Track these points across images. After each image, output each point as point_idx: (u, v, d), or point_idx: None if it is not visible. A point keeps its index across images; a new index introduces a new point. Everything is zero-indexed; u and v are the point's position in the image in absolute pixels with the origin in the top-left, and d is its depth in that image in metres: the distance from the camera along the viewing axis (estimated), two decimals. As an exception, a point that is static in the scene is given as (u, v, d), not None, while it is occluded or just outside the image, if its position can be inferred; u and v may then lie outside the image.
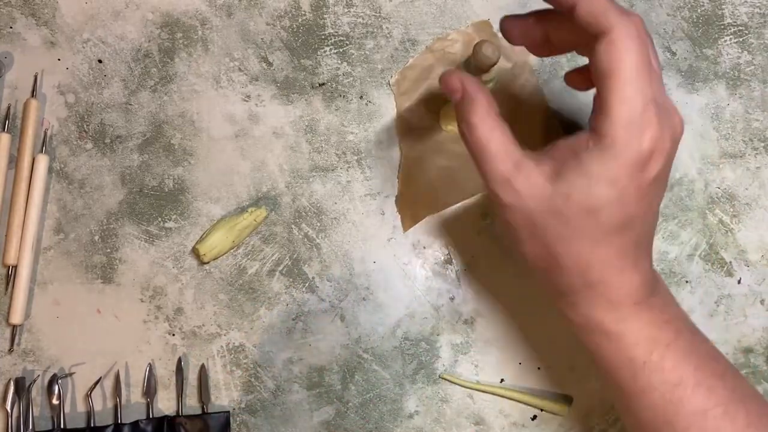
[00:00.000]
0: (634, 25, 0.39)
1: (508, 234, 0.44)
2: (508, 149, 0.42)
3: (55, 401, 0.53)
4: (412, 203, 0.58)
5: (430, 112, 0.58)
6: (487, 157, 0.42)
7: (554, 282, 0.43)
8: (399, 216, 0.58)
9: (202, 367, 0.55)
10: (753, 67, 0.61)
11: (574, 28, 0.41)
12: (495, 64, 0.50)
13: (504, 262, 0.58)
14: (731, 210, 0.59)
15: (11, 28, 0.59)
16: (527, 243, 0.43)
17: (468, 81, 0.44)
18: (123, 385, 0.55)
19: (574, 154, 0.40)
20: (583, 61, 0.44)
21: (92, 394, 0.54)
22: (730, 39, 0.61)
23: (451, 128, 0.57)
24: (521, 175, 0.41)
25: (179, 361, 0.55)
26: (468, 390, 0.57)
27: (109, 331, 0.56)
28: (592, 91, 0.60)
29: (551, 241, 0.41)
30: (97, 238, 0.57)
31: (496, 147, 0.42)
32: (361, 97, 0.59)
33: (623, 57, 0.38)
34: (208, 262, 0.56)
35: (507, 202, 0.42)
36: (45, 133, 0.57)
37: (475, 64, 0.50)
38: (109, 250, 0.56)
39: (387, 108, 0.59)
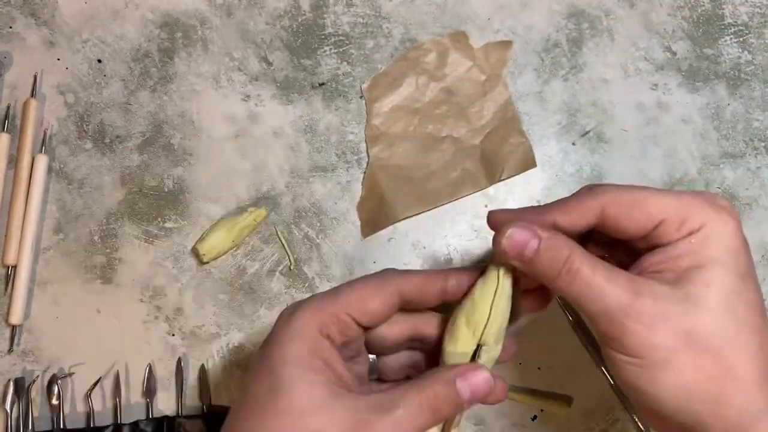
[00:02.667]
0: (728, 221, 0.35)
1: (646, 376, 0.35)
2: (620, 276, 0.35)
3: (54, 401, 0.53)
4: (375, 211, 0.58)
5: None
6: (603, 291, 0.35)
7: (722, 415, 0.34)
8: (359, 222, 0.58)
9: (202, 367, 0.55)
10: (753, 66, 0.61)
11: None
12: None
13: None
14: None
15: (11, 27, 0.59)
16: (685, 370, 0.34)
17: (536, 226, 0.37)
18: (123, 386, 0.55)
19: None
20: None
21: (92, 395, 0.54)
22: (731, 39, 0.61)
23: (451, 350, 0.40)
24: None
25: (179, 361, 0.55)
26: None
27: (108, 331, 0.55)
28: (593, 88, 0.60)
29: (724, 352, 0.34)
30: (96, 238, 0.57)
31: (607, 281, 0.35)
32: (361, 97, 0.59)
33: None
34: (207, 262, 0.56)
35: (645, 325, 0.34)
36: (44, 133, 0.57)
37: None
38: (108, 250, 0.56)
39: (387, 108, 0.59)
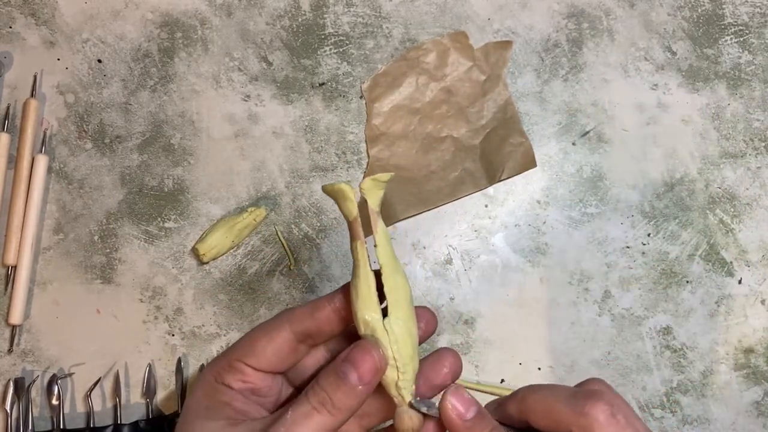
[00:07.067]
0: (601, 410, 0.35)
1: None
2: None
3: (54, 401, 0.53)
4: None
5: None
6: None
7: None
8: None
9: (202, 367, 0.55)
10: (754, 66, 0.61)
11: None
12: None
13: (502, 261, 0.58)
14: (732, 210, 0.59)
15: (11, 27, 0.59)
16: None
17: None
18: (122, 386, 0.55)
19: None
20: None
21: (92, 395, 0.54)
22: (731, 39, 0.61)
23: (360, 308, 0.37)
24: None
25: (179, 361, 0.55)
26: (468, 390, 0.57)
27: (108, 331, 0.55)
28: (593, 88, 0.60)
29: None
30: (96, 238, 0.57)
31: None
32: (361, 97, 0.59)
33: None
34: (207, 262, 0.56)
35: None
36: (44, 133, 0.57)
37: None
38: (108, 250, 0.56)
39: (387, 108, 0.59)
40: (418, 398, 0.37)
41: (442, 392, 0.37)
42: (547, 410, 0.36)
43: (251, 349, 0.38)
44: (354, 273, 0.37)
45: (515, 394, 0.38)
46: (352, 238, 0.37)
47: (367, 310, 0.36)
